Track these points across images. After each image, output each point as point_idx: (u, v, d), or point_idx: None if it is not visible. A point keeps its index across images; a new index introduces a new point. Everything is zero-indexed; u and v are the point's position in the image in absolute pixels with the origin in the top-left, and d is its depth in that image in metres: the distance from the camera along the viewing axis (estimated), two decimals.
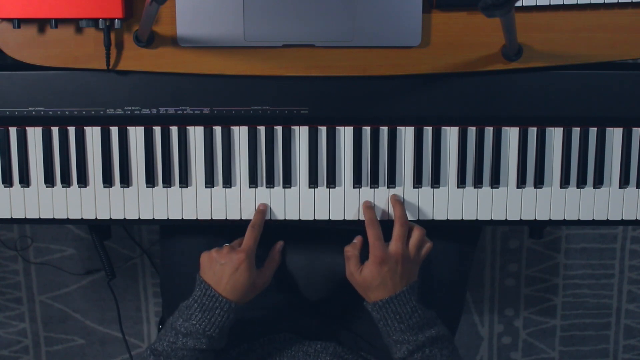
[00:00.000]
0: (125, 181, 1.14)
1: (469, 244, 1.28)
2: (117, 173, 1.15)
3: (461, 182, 1.15)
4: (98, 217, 1.16)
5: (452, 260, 1.26)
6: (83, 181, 1.15)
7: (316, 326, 1.25)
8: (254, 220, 1.12)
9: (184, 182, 1.14)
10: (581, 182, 1.16)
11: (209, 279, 1.07)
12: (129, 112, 1.12)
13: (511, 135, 1.15)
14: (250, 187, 1.15)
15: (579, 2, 1.08)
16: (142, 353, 1.06)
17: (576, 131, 1.15)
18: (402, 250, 1.06)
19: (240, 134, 1.14)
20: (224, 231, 1.22)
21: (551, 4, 1.08)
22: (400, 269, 1.06)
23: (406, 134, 1.14)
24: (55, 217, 1.16)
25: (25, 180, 1.15)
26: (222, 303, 1.05)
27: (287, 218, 1.15)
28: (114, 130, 1.14)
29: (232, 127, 1.14)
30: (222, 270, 1.06)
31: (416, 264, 1.09)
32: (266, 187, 1.15)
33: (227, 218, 1.16)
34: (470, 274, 1.32)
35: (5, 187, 1.15)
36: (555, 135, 1.15)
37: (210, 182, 1.14)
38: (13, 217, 1.16)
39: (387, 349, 1.08)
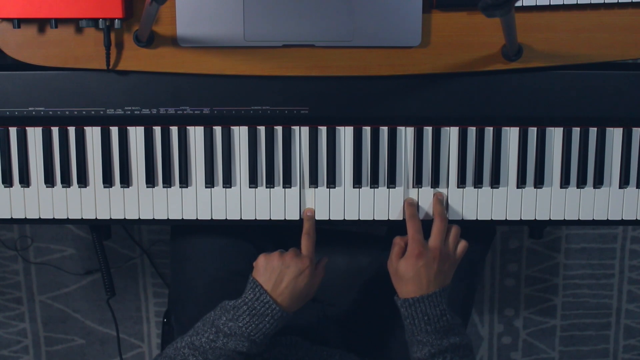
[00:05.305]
0: (126, 181, 1.14)
1: (482, 245, 1.27)
2: (117, 173, 1.15)
3: (461, 182, 1.15)
4: (98, 217, 1.16)
5: (462, 262, 1.23)
6: (83, 181, 1.15)
7: (323, 329, 1.25)
8: (306, 228, 1.12)
9: (184, 182, 1.14)
10: (581, 182, 1.16)
11: (265, 282, 1.04)
12: (129, 112, 1.11)
13: (511, 135, 1.15)
14: (250, 187, 1.15)
15: (579, 2, 1.08)
16: (175, 342, 1.03)
17: (576, 131, 1.15)
18: (440, 246, 1.06)
19: (240, 134, 1.14)
20: (235, 231, 1.21)
21: (551, 4, 1.08)
22: (436, 266, 1.05)
23: (406, 134, 1.14)
24: (55, 217, 1.16)
25: (25, 181, 1.15)
26: (274, 311, 1.02)
27: (287, 218, 1.15)
28: (114, 130, 1.14)
29: (232, 127, 1.13)
30: (284, 273, 1.04)
31: (453, 265, 1.09)
32: (266, 187, 1.15)
33: (227, 218, 1.16)
34: (481, 278, 1.28)
35: (5, 187, 1.15)
36: (555, 135, 1.15)
37: (210, 182, 1.14)
38: (13, 217, 1.16)
39: (402, 348, 1.07)
